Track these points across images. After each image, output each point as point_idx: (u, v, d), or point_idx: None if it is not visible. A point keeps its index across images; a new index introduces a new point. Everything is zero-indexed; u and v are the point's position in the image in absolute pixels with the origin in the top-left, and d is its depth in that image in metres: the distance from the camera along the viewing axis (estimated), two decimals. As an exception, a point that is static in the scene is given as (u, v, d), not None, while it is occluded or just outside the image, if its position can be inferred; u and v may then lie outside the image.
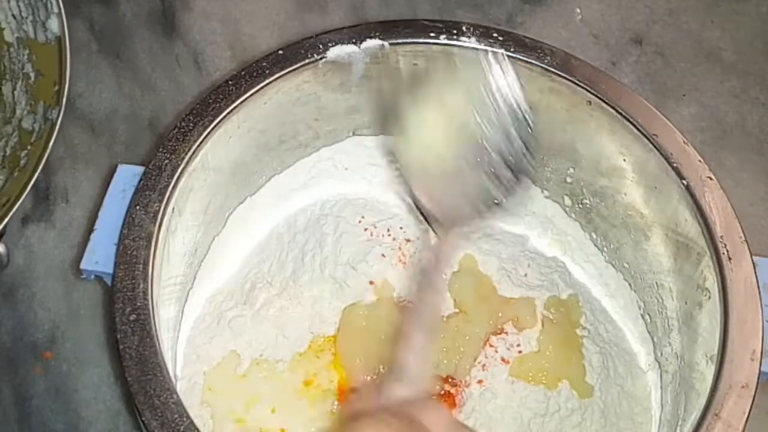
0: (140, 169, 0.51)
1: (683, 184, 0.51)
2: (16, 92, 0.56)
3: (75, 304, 0.60)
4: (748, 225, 0.50)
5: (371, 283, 0.57)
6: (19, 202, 0.50)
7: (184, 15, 0.73)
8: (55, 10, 0.53)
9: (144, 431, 0.44)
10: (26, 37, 0.55)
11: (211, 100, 0.53)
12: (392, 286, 0.57)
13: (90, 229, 0.51)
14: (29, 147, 0.53)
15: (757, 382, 0.46)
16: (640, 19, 0.74)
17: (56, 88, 0.53)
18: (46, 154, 0.51)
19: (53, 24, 0.53)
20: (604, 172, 0.57)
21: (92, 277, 0.51)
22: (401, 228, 0.60)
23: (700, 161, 0.51)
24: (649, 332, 0.57)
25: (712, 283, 0.49)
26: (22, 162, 0.53)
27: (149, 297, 0.47)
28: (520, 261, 0.59)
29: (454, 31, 0.55)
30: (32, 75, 0.55)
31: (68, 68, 0.53)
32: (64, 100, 0.52)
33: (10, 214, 0.50)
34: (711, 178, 0.51)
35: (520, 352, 0.56)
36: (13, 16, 0.56)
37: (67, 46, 0.53)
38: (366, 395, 0.44)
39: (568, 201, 0.60)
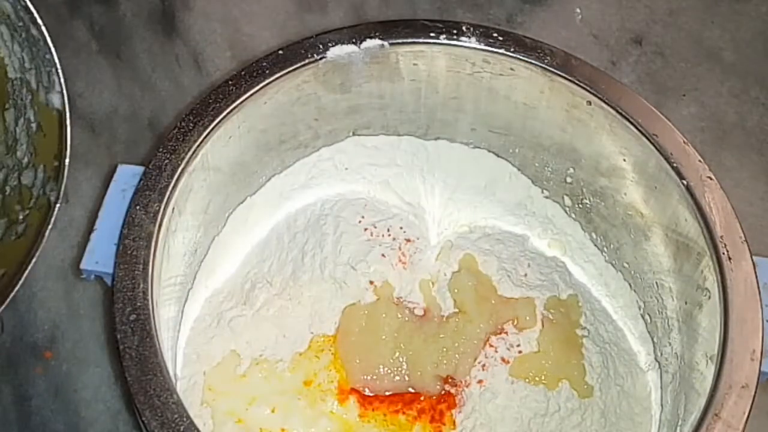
0: (140, 169, 0.51)
1: (683, 184, 0.51)
2: (18, 128, 0.55)
3: (75, 304, 0.60)
4: (748, 225, 0.50)
5: (371, 283, 0.57)
6: (19, 284, 0.49)
7: (184, 15, 0.73)
8: (57, 88, 0.52)
9: (144, 431, 0.44)
10: (28, 85, 0.55)
11: (211, 100, 0.53)
12: (392, 286, 0.57)
13: (90, 229, 0.51)
14: (27, 210, 0.52)
15: (757, 382, 0.46)
16: (640, 19, 0.74)
17: (56, 163, 0.52)
18: (44, 239, 0.50)
19: (55, 99, 0.52)
20: (604, 172, 0.57)
21: (92, 277, 0.51)
22: (401, 228, 0.60)
23: (700, 161, 0.51)
24: (649, 332, 0.57)
25: (712, 283, 0.49)
26: (20, 229, 0.52)
27: (149, 297, 0.47)
28: (520, 261, 0.59)
29: (454, 31, 0.55)
30: (34, 125, 0.53)
31: (68, 149, 0.52)
32: (64, 183, 0.51)
33: (12, 294, 0.49)
34: (711, 178, 0.51)
35: (520, 352, 0.56)
36: (17, 58, 0.55)
37: (67, 125, 0.52)
38: None
39: (568, 201, 0.60)
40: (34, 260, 0.49)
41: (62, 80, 0.52)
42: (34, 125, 0.54)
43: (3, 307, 0.49)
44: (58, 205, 0.51)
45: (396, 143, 0.61)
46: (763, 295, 0.48)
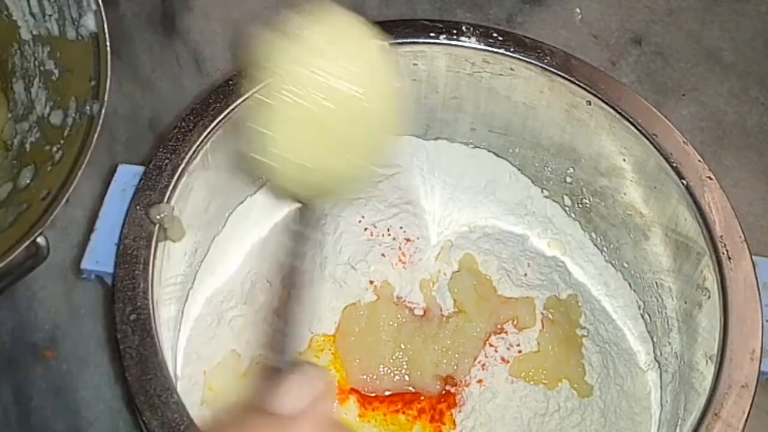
0: (140, 169, 0.51)
1: (683, 184, 0.51)
2: (33, 89, 0.56)
3: (75, 304, 0.60)
4: (748, 225, 0.50)
5: (371, 282, 0.57)
6: (67, 194, 0.50)
7: (184, 15, 0.73)
8: (93, 7, 0.53)
9: (144, 431, 0.44)
10: (47, 34, 0.55)
11: (211, 100, 0.53)
12: (392, 286, 0.57)
13: (90, 229, 0.51)
14: (62, 141, 0.53)
15: (757, 382, 0.46)
16: (640, 19, 0.74)
17: (92, 83, 0.53)
18: (92, 146, 0.51)
19: (89, 21, 0.53)
20: (604, 172, 0.57)
21: (92, 276, 0.51)
22: (401, 228, 0.60)
23: (700, 161, 0.51)
24: (648, 332, 0.57)
25: (711, 282, 0.49)
26: (56, 156, 0.53)
27: (149, 297, 0.47)
28: (520, 261, 0.59)
29: (454, 31, 0.55)
30: (56, 72, 0.55)
31: (109, 63, 0.53)
32: (107, 96, 0.52)
33: (59, 207, 0.50)
34: (711, 178, 0.51)
35: (520, 351, 0.56)
36: (32, 14, 0.56)
37: (106, 41, 0.53)
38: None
39: (568, 201, 0.60)
40: (80, 171, 0.51)
41: None
42: (56, 72, 0.55)
43: (51, 218, 0.50)
44: (102, 114, 0.52)
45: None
46: (762, 295, 0.48)
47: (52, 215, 0.50)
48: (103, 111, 0.52)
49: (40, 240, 0.52)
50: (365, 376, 0.54)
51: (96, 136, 0.52)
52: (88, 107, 0.52)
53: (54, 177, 0.52)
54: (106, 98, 0.52)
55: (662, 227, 0.54)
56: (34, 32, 0.56)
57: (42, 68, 0.56)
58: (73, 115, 0.53)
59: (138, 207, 0.49)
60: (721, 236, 0.49)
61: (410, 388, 0.55)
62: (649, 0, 0.75)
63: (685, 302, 0.53)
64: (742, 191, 0.65)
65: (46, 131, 0.54)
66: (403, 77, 0.51)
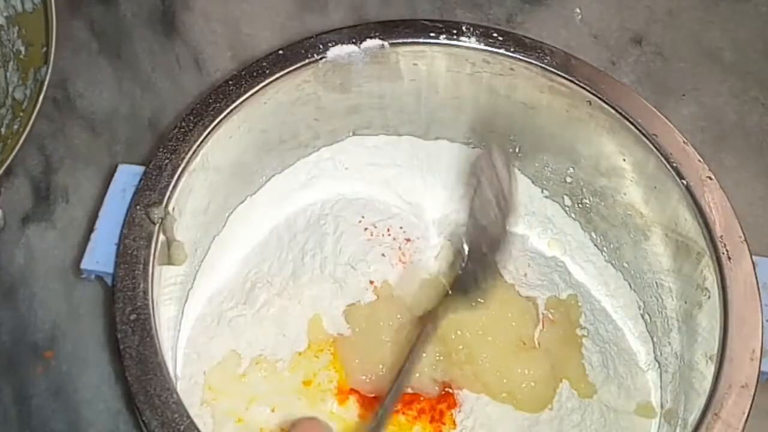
0: (140, 169, 0.51)
1: (683, 184, 0.51)
2: (8, 73, 0.56)
3: (75, 304, 0.60)
4: (748, 225, 0.50)
5: (371, 282, 0.57)
6: (12, 155, 0.50)
7: (184, 15, 0.73)
8: None
9: (144, 431, 0.44)
10: (15, 13, 0.55)
11: (211, 100, 0.53)
12: (392, 286, 0.57)
13: (90, 229, 0.51)
14: (21, 113, 0.53)
15: (757, 382, 0.46)
16: (639, 19, 0.74)
17: (44, 49, 0.53)
18: (38, 107, 0.51)
19: None
20: (604, 172, 0.57)
21: (92, 276, 0.51)
22: (401, 228, 0.60)
23: (699, 161, 0.52)
24: (648, 332, 0.57)
25: (711, 282, 0.49)
26: (15, 127, 0.53)
27: (149, 297, 0.47)
28: (520, 261, 0.59)
29: (454, 31, 0.55)
30: (23, 49, 0.55)
31: (54, 24, 0.53)
32: (52, 58, 0.52)
33: (3, 167, 0.50)
34: (711, 178, 0.51)
35: (520, 351, 0.56)
36: None
37: (52, 6, 0.53)
38: None
39: (568, 201, 0.60)
40: (26, 133, 0.51)
41: None
42: (23, 50, 0.55)
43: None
44: (48, 74, 0.52)
45: (396, 143, 0.61)
46: (763, 295, 0.48)
47: None
48: (50, 72, 0.52)
49: None
50: (365, 377, 0.54)
51: (42, 96, 0.52)
52: (39, 74, 0.52)
53: (11, 147, 0.52)
54: (52, 60, 0.52)
55: (662, 227, 0.54)
56: (5, 14, 0.56)
57: (14, 49, 0.56)
58: (31, 86, 0.54)
59: (138, 207, 0.49)
60: (721, 236, 0.49)
61: (410, 389, 0.55)
62: (649, 0, 0.75)
63: (685, 302, 0.53)
64: (742, 191, 0.65)
65: (15, 109, 0.55)
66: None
